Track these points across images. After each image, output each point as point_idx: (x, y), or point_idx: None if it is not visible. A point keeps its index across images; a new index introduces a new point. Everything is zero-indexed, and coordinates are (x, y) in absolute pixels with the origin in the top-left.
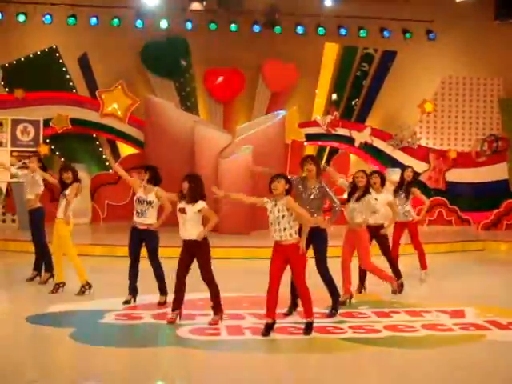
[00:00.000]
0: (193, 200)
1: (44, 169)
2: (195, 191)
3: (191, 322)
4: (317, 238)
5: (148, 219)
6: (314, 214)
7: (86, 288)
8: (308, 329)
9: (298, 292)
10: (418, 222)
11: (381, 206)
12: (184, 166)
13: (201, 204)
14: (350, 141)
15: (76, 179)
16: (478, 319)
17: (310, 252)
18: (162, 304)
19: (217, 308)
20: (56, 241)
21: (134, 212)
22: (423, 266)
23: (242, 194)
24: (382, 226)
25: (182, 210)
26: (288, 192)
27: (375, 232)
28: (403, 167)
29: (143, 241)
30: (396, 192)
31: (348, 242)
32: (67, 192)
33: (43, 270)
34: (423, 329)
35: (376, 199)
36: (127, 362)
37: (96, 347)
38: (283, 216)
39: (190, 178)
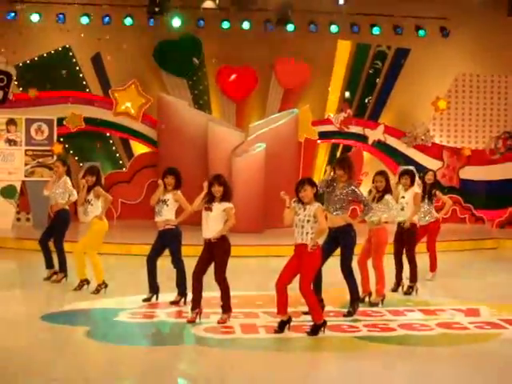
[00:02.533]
0: (223, 200)
1: (69, 173)
2: (229, 193)
3: (206, 320)
4: (344, 235)
5: (163, 216)
6: (336, 211)
7: (101, 287)
8: (313, 330)
9: (303, 297)
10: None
11: (409, 199)
12: (197, 165)
13: (228, 204)
14: (363, 139)
15: (97, 182)
16: (493, 318)
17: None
18: (175, 303)
19: (226, 307)
20: (84, 240)
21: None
22: (432, 267)
23: (288, 212)
24: (414, 225)
25: (208, 208)
26: (316, 195)
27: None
28: (424, 171)
29: (165, 242)
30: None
31: (367, 241)
32: (89, 197)
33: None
34: (438, 327)
35: (403, 197)
36: (142, 360)
37: (111, 345)
38: (308, 221)
39: (222, 181)
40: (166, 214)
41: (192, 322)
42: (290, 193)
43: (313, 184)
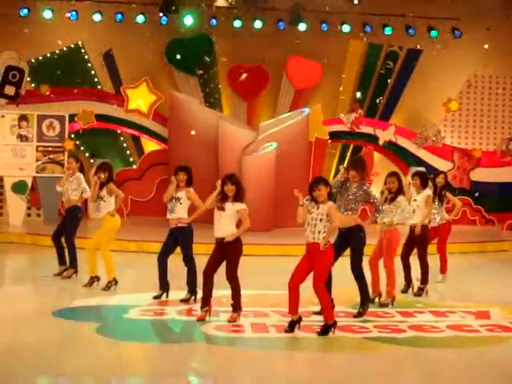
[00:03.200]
0: (236, 200)
1: (82, 169)
2: (241, 193)
3: (216, 318)
4: (354, 236)
5: (176, 214)
6: (347, 211)
7: (112, 284)
8: (323, 330)
9: (317, 296)
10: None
11: (420, 202)
12: (207, 163)
13: (241, 205)
14: (374, 139)
15: (109, 179)
16: (503, 320)
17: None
18: (185, 301)
19: (236, 306)
20: (97, 236)
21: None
22: (442, 269)
23: (302, 210)
24: (425, 227)
25: (221, 207)
26: (329, 194)
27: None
28: (435, 173)
29: (177, 239)
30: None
31: (379, 242)
32: (102, 194)
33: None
34: (448, 329)
35: (415, 199)
36: (151, 358)
37: (121, 342)
38: (321, 219)
39: (234, 180)
40: (179, 212)
41: (202, 320)
42: (300, 192)
43: (327, 183)
